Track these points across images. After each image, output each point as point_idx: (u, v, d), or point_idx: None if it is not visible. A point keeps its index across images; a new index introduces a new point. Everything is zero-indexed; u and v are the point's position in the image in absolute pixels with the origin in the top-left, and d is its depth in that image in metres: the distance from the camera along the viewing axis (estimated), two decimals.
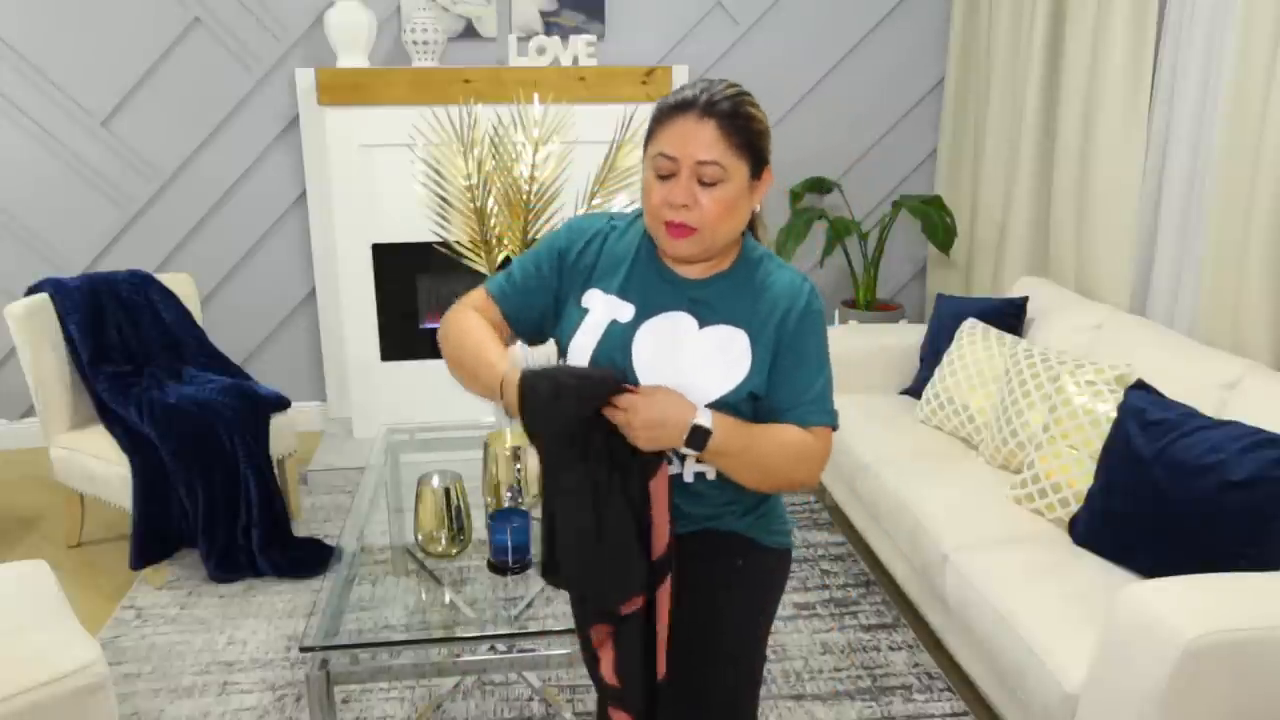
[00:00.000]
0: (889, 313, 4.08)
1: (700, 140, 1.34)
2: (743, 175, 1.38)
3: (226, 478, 2.98)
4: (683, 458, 1.45)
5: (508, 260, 2.64)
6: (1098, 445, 2.34)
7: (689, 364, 1.42)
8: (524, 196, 2.52)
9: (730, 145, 1.35)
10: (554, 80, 3.72)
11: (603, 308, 1.48)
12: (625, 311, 1.46)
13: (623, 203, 2.58)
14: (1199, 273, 2.81)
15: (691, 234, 1.38)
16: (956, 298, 3.32)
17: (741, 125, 1.37)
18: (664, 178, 1.38)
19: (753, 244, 1.51)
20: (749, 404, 1.44)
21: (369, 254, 3.85)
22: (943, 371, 3.05)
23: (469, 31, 3.95)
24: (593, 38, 3.83)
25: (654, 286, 1.47)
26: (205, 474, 2.95)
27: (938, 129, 4.30)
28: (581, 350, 1.47)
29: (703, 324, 1.45)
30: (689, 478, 1.47)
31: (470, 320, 1.52)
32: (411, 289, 3.95)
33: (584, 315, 1.48)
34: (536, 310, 1.54)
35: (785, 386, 1.44)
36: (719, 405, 1.40)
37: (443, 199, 2.59)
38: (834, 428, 1.47)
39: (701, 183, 1.36)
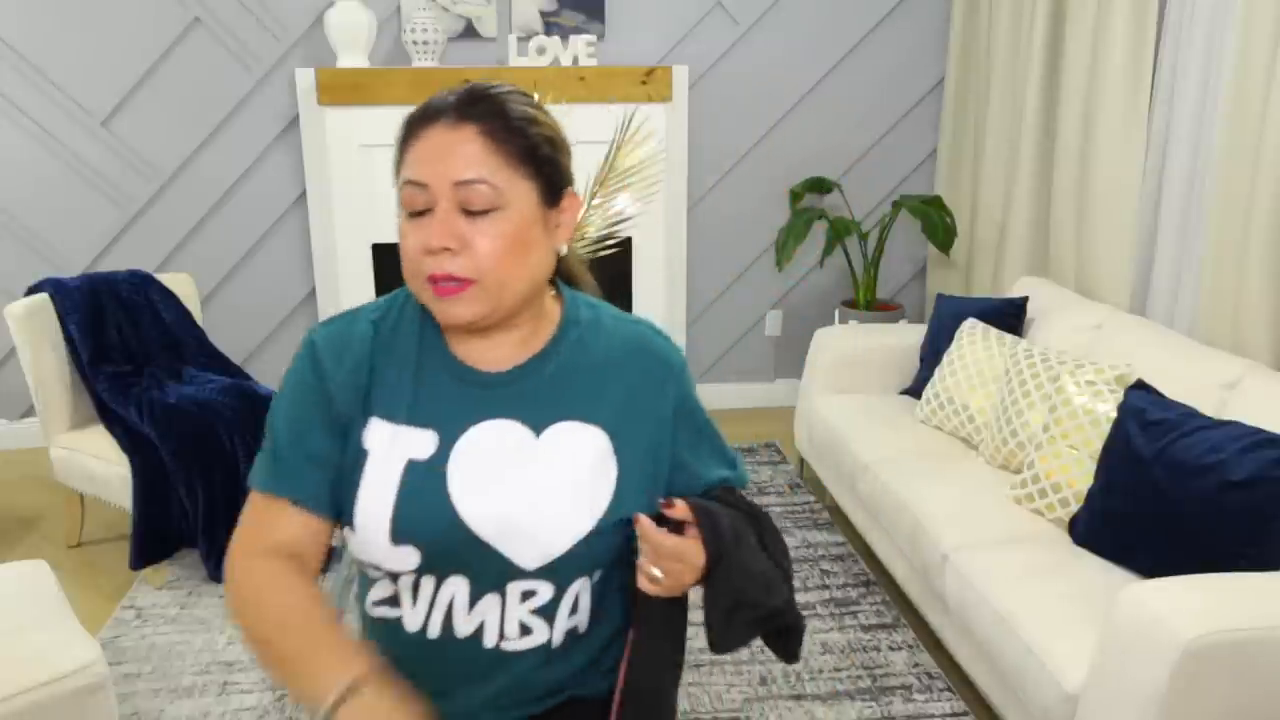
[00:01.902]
0: (889, 313, 4.08)
1: (456, 153, 0.97)
2: (528, 200, 1.01)
3: (226, 478, 2.98)
4: (551, 618, 1.10)
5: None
6: (1098, 445, 2.34)
7: (538, 491, 1.05)
8: None
9: (502, 157, 0.99)
10: (554, 80, 3.71)
11: (389, 445, 1.05)
12: (423, 443, 1.05)
13: (624, 202, 2.58)
14: (1199, 273, 2.81)
15: (465, 288, 0.99)
16: (956, 298, 3.32)
17: (516, 128, 1.00)
18: (417, 215, 1.00)
19: (575, 299, 1.16)
20: (623, 528, 1.08)
21: (369, 254, 3.85)
22: (943, 371, 3.05)
23: (469, 31, 3.95)
24: (593, 38, 3.83)
25: (453, 395, 1.07)
26: (205, 474, 2.95)
27: (938, 129, 4.30)
28: (375, 514, 1.03)
29: (539, 428, 1.06)
30: (558, 640, 1.13)
31: (255, 589, 1.06)
32: None
33: (364, 462, 1.06)
34: (334, 468, 1.08)
35: (691, 475, 1.16)
36: (594, 539, 1.07)
37: None
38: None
39: (468, 213, 0.98)
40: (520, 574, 1.07)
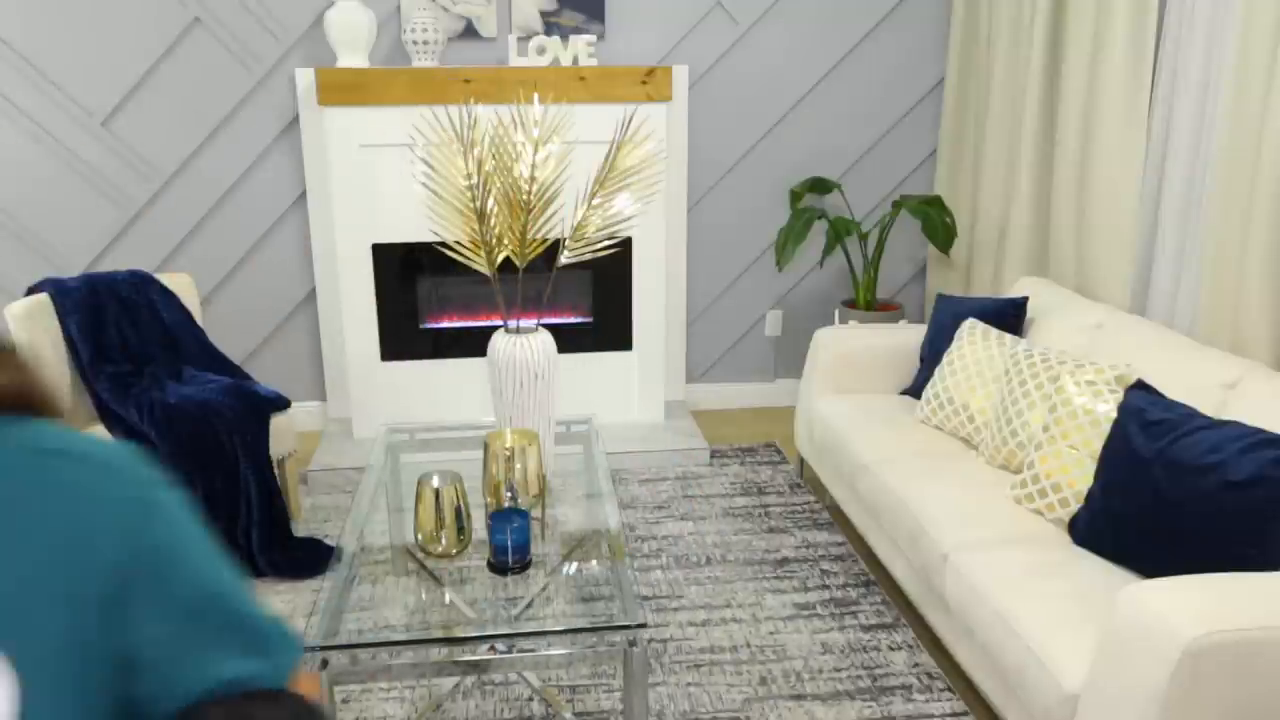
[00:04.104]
0: (889, 313, 4.09)
1: None
2: None
3: (226, 478, 2.98)
4: None
5: (508, 260, 2.64)
6: (1098, 445, 2.34)
7: None
8: (524, 196, 2.52)
9: None
10: (554, 80, 3.72)
11: None
12: None
13: (624, 201, 2.58)
14: (1199, 273, 2.81)
15: None
16: (956, 298, 3.32)
17: None
18: None
19: None
20: None
21: (369, 254, 3.85)
22: (943, 371, 3.05)
23: (469, 31, 3.95)
24: (593, 38, 3.83)
25: None
26: (205, 474, 2.95)
27: (938, 129, 4.30)
28: None
29: None
30: None
31: None
32: (411, 289, 3.95)
33: None
34: None
35: (174, 670, 0.72)
36: None
37: (442, 199, 2.59)
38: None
39: None
40: None
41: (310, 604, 2.86)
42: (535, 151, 2.50)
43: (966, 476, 2.71)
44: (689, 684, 2.49)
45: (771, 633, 2.71)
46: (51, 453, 0.72)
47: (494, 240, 2.57)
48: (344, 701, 2.42)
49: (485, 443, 2.34)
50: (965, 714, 2.38)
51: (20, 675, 0.66)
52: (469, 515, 2.22)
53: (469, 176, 2.49)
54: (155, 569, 0.72)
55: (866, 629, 2.73)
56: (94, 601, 0.69)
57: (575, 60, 3.79)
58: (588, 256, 2.65)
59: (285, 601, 2.88)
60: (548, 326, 3.99)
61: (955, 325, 3.15)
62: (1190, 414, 2.17)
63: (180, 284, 3.40)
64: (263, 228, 4.05)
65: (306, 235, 4.08)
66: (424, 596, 2.25)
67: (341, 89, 3.64)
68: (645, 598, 2.90)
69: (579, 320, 4.05)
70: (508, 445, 2.30)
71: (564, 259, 2.65)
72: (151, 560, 0.72)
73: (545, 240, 2.61)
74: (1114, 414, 2.33)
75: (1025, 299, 3.20)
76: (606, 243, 2.66)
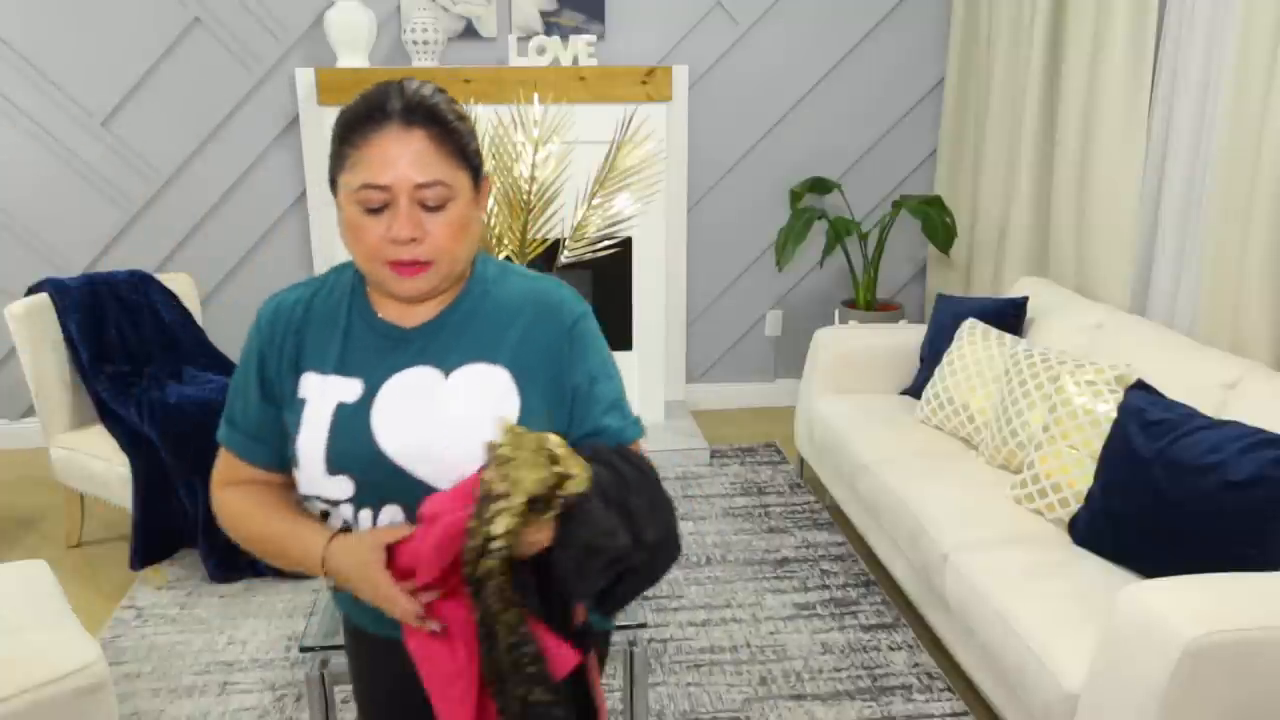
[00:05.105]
0: (889, 313, 4.09)
1: (412, 158, 1.14)
2: (467, 188, 1.18)
3: None
4: None
5: (508, 260, 2.64)
6: (1098, 445, 2.35)
7: (449, 424, 1.20)
8: (524, 196, 2.52)
9: (447, 157, 1.15)
10: (554, 80, 3.72)
11: (321, 392, 1.23)
12: (351, 389, 1.22)
13: (623, 202, 2.58)
14: (1199, 273, 2.81)
15: (426, 269, 1.17)
16: (956, 298, 3.32)
17: (453, 130, 1.17)
18: (375, 211, 1.15)
19: (485, 259, 1.31)
20: None
21: None
22: (943, 371, 3.05)
23: (469, 31, 3.95)
24: (593, 38, 3.83)
25: (376, 350, 1.24)
26: (205, 474, 2.95)
27: (938, 129, 4.30)
28: (312, 448, 1.21)
29: (448, 371, 1.22)
30: None
31: (235, 507, 1.28)
32: None
33: (302, 408, 1.23)
34: (280, 434, 1.27)
35: (583, 408, 1.26)
36: None
37: None
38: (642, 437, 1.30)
39: (426, 208, 1.15)
40: None
41: (310, 603, 2.86)
42: (535, 151, 2.50)
43: (966, 476, 2.71)
44: (689, 684, 2.49)
45: (771, 633, 2.71)
46: (531, 277, 1.29)
47: (494, 240, 2.57)
48: (344, 701, 2.42)
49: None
50: (965, 714, 2.38)
51: (519, 385, 1.22)
52: None
53: None
54: (578, 344, 1.25)
55: (866, 629, 2.73)
56: (562, 358, 1.24)
57: (575, 60, 3.79)
58: (588, 256, 2.65)
59: (285, 601, 2.88)
60: None
61: (955, 325, 3.15)
62: (1190, 414, 2.17)
63: (180, 284, 3.40)
64: (263, 228, 4.05)
65: (306, 235, 4.08)
66: None
67: (342, 89, 3.64)
68: (645, 597, 2.90)
69: None
70: None
71: (564, 259, 2.66)
72: (580, 339, 1.26)
73: (545, 240, 2.61)
74: (1114, 414, 2.33)
75: (1025, 299, 3.20)
76: (606, 243, 2.66)
